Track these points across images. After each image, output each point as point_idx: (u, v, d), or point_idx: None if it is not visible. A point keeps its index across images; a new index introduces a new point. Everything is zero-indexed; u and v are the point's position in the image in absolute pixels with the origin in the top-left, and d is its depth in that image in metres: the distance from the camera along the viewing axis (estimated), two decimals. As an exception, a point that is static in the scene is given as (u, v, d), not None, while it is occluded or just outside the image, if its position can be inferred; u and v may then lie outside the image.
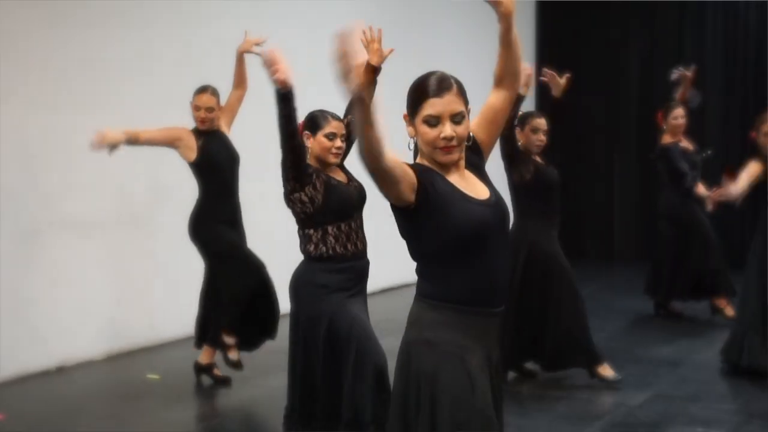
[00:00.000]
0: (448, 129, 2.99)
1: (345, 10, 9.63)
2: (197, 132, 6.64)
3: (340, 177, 4.90)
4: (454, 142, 3.00)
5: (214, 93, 6.72)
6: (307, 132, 4.81)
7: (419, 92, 3.02)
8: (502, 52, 3.18)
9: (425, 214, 2.99)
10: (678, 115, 8.49)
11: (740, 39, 12.29)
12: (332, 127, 4.80)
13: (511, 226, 3.60)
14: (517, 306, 6.56)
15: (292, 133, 4.68)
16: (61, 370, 7.40)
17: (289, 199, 4.81)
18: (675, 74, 8.67)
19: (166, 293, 8.08)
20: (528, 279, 6.59)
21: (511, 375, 6.73)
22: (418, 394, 3.05)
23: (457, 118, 3.00)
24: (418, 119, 3.01)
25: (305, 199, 4.76)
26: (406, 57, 10.50)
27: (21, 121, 7.05)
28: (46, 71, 7.26)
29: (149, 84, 7.88)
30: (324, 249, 4.84)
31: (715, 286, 8.80)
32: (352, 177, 4.92)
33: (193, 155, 6.62)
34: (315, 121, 4.82)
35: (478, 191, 3.11)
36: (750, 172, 6.85)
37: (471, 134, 3.12)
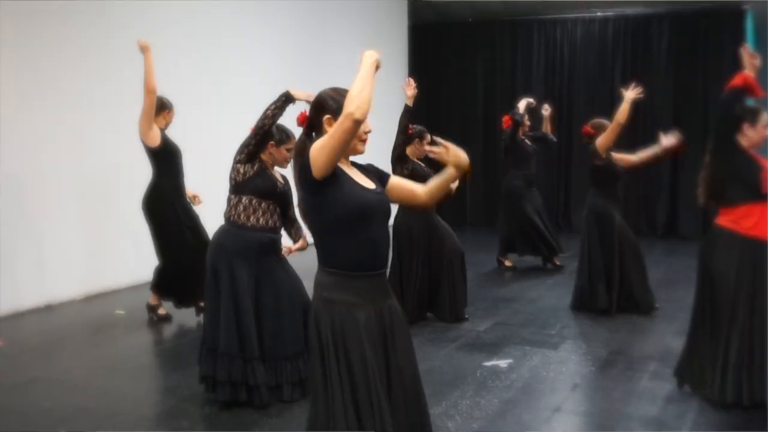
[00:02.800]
0: (369, 125, 3.21)
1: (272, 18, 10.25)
2: (160, 129, 7.11)
3: (276, 175, 5.21)
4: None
5: None
6: (272, 141, 5.14)
7: None
8: (435, 189, 3.39)
9: (328, 188, 3.13)
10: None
11: (557, 55, 13.36)
12: (291, 144, 5.07)
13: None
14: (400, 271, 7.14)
15: (272, 125, 5.06)
16: (49, 308, 7.77)
17: (234, 166, 5.09)
18: (543, 111, 9.69)
19: (130, 247, 8.30)
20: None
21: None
22: (320, 340, 3.23)
23: None
24: None
25: (242, 170, 5.07)
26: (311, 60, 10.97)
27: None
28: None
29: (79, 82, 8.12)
30: (234, 213, 5.06)
31: (539, 247, 9.76)
32: (286, 181, 5.17)
33: (156, 142, 6.96)
34: (281, 136, 5.15)
35: (365, 182, 3.29)
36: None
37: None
